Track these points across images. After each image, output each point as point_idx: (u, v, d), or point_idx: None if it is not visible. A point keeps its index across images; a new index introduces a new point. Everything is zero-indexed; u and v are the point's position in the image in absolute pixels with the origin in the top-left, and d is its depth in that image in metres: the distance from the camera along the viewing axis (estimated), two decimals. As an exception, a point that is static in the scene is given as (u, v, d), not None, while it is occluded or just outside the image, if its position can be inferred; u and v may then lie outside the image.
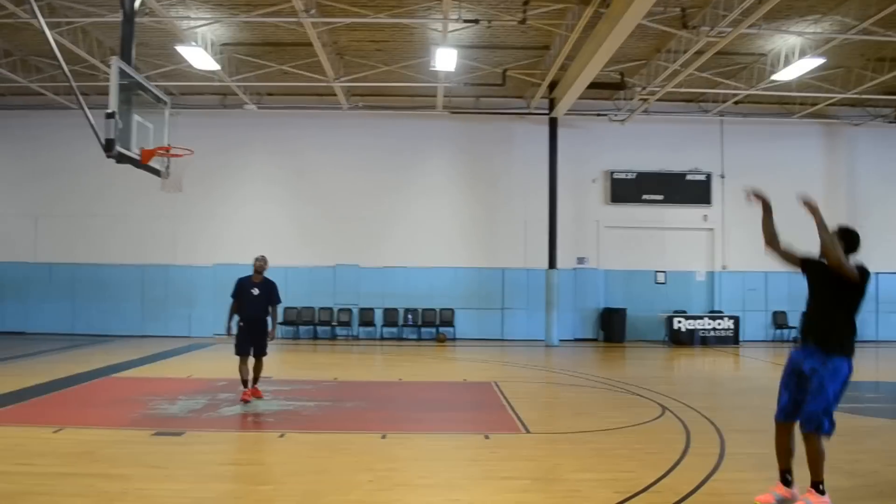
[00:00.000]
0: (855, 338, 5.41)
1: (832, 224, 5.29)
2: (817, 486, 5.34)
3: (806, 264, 5.71)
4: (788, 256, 5.80)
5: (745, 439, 7.91)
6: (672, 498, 5.70)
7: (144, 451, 7.14)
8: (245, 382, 9.90)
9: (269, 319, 10.03)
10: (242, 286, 10.01)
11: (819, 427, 5.28)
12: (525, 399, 10.61)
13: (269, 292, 10.04)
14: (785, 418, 5.59)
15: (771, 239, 5.84)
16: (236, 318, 10.02)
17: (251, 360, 9.96)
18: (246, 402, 9.75)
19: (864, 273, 5.33)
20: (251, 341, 9.94)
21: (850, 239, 5.52)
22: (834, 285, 5.36)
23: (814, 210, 5.35)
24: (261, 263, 10.14)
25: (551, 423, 9.24)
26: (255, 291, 9.95)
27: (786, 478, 5.58)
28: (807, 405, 5.35)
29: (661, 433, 8.27)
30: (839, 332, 5.39)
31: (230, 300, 10.06)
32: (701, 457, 7.05)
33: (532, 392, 11.74)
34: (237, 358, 9.87)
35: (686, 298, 21.01)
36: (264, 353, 10.09)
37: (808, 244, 20.04)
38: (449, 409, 10.04)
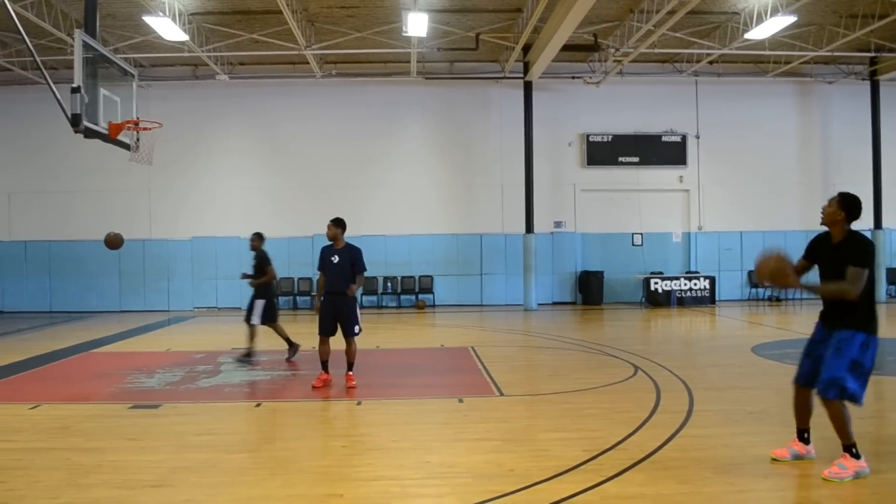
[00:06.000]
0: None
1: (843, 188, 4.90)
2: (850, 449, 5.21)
3: (811, 256, 5.44)
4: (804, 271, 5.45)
5: (712, 396, 8.11)
6: (638, 454, 5.84)
7: (120, 424, 7.20)
8: (324, 364, 8.95)
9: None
10: (323, 255, 8.89)
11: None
12: (501, 363, 10.76)
13: (354, 260, 8.84)
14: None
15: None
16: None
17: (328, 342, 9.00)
18: (315, 387, 8.77)
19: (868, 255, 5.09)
20: (334, 319, 8.86)
21: (853, 206, 5.19)
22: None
23: (798, 288, 5.16)
24: (335, 230, 8.79)
25: (525, 386, 9.40)
26: (336, 259, 8.80)
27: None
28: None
29: (633, 392, 8.44)
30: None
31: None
32: (669, 414, 7.22)
33: (508, 356, 11.89)
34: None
35: (663, 260, 21.21)
36: (351, 334, 8.95)
37: (782, 200, 19.88)
38: (425, 374, 10.17)
